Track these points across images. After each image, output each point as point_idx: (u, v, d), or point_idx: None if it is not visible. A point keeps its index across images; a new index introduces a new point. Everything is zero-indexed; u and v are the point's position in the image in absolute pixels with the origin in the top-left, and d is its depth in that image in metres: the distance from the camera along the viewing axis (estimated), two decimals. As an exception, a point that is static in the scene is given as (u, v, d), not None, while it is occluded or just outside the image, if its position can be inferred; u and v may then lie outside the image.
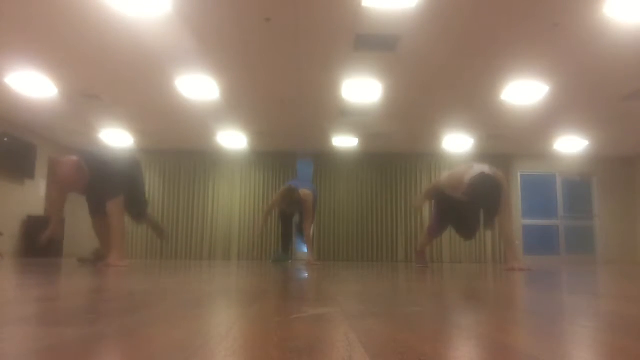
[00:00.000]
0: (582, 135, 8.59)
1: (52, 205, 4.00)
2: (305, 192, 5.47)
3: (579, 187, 10.34)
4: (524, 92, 6.33)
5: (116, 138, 8.87)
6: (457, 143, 9.01)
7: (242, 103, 6.98)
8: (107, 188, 3.85)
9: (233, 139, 8.95)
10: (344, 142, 9.07)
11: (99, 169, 3.86)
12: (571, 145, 9.11)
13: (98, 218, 4.21)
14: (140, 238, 9.63)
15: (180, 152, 9.91)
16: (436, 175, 9.99)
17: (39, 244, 3.97)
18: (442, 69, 5.71)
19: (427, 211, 9.86)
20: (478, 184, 4.14)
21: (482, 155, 9.56)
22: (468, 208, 4.35)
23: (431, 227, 4.97)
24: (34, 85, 6.21)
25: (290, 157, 9.97)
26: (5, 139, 7.69)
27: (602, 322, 0.88)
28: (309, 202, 5.47)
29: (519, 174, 10.07)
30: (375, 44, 5.06)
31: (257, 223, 5.97)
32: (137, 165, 4.30)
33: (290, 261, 6.45)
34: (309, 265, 4.83)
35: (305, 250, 5.92)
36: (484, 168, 4.31)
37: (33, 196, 8.63)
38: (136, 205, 4.24)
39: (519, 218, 9.79)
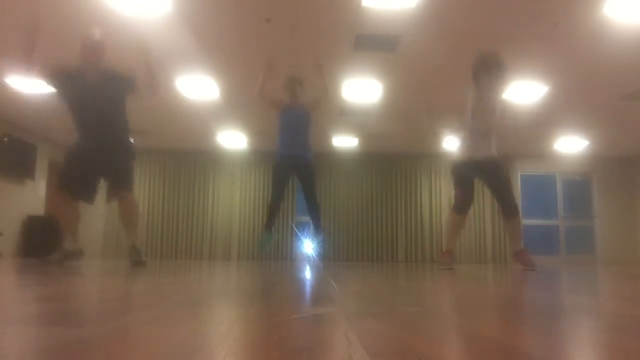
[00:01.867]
0: (582, 135, 8.59)
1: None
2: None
3: (579, 187, 10.35)
4: (524, 92, 6.33)
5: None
6: (457, 143, 9.00)
7: (242, 103, 6.98)
8: (131, 177, 3.82)
9: (233, 139, 8.95)
10: (344, 142, 9.07)
11: (129, 155, 3.79)
12: (571, 145, 9.11)
13: (128, 195, 3.92)
14: (140, 238, 9.62)
15: (180, 152, 9.90)
16: (436, 176, 9.99)
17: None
18: (442, 69, 5.71)
19: (426, 209, 9.85)
20: None
21: (482, 155, 9.55)
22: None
23: (455, 202, 4.31)
24: (34, 85, 6.21)
25: (290, 157, 9.95)
26: (5, 139, 7.69)
27: (602, 322, 0.88)
28: (313, 101, 4.76)
29: (519, 174, 10.07)
30: (375, 44, 5.06)
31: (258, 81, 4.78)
32: None
33: (275, 237, 5.54)
34: None
35: (305, 251, 5.55)
36: None
37: (33, 196, 8.63)
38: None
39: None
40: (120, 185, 3.79)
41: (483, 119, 4.00)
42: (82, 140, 3.64)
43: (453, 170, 4.30)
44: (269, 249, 6.16)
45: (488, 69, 3.97)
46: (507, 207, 4.06)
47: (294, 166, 4.95)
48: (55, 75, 3.60)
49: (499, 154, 4.15)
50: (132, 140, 3.86)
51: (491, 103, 4.02)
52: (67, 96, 3.63)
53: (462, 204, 4.19)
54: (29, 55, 3.45)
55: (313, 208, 4.96)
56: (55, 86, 3.66)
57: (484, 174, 4.14)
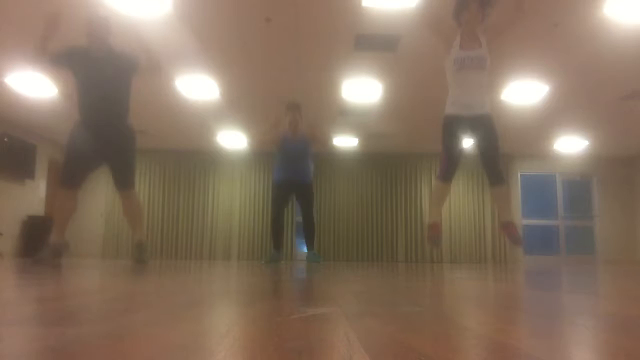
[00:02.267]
0: (582, 135, 8.59)
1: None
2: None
3: (579, 187, 10.35)
4: (524, 92, 6.33)
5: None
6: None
7: (242, 103, 6.98)
8: (132, 173, 3.79)
9: (233, 139, 8.95)
10: (344, 142, 9.08)
11: (130, 145, 3.75)
12: (571, 145, 9.11)
13: (131, 193, 3.88)
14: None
15: (180, 152, 9.90)
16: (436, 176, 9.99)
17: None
18: (442, 68, 5.70)
19: (426, 209, 9.85)
20: None
21: (482, 155, 9.55)
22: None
23: (440, 167, 4.11)
24: (34, 85, 6.21)
25: (290, 157, 9.96)
26: (5, 139, 7.69)
27: (602, 322, 0.88)
28: (314, 133, 5.05)
29: (519, 174, 10.07)
30: (375, 44, 5.06)
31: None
32: None
33: (283, 261, 6.02)
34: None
35: (305, 250, 5.61)
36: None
37: (33, 196, 8.63)
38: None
39: (519, 218, 9.80)
40: (123, 183, 3.78)
41: (471, 63, 3.67)
42: (83, 124, 3.62)
43: (443, 127, 4.00)
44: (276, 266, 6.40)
45: (467, 5, 3.72)
46: (493, 174, 3.79)
47: (293, 187, 5.14)
48: (62, 54, 3.61)
49: (492, 109, 3.92)
50: (131, 125, 3.82)
51: (477, 39, 3.68)
52: (73, 72, 3.64)
53: (448, 170, 3.95)
54: (42, 46, 3.48)
55: (309, 227, 5.19)
56: (62, 64, 3.67)
57: (475, 132, 3.83)
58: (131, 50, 3.73)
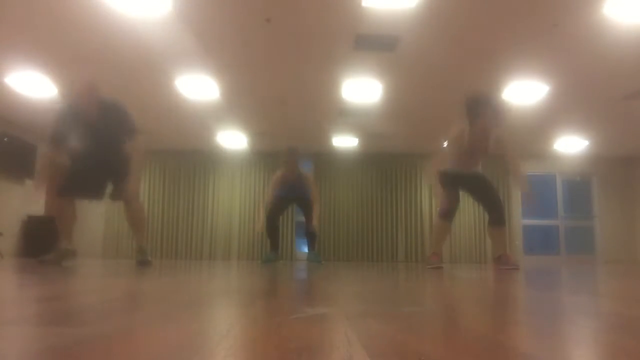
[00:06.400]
0: (582, 135, 8.59)
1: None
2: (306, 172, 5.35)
3: (579, 187, 10.35)
4: (524, 92, 6.33)
5: (116, 138, 8.87)
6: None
7: (242, 103, 6.98)
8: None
9: (233, 139, 8.95)
10: (344, 142, 9.07)
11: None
12: (571, 145, 9.11)
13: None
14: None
15: (180, 152, 9.90)
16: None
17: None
18: (442, 69, 5.71)
19: (426, 209, 9.85)
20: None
21: (482, 155, 9.56)
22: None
23: (441, 208, 4.51)
24: (34, 85, 6.21)
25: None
26: (5, 139, 7.69)
27: (602, 322, 0.88)
28: (311, 179, 5.38)
29: (519, 174, 10.06)
30: (375, 44, 5.06)
31: (257, 218, 5.57)
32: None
33: (280, 261, 6.19)
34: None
35: (306, 250, 5.71)
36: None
37: (33, 196, 8.63)
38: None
39: (519, 218, 9.80)
40: (126, 190, 3.85)
41: (474, 147, 4.11)
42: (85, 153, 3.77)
43: (440, 178, 4.45)
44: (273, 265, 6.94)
45: (483, 113, 4.03)
46: (496, 215, 4.23)
47: (293, 200, 5.45)
48: (62, 142, 3.77)
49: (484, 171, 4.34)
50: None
51: (484, 135, 4.08)
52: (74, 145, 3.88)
53: (449, 210, 4.38)
54: (39, 184, 3.86)
55: (310, 235, 5.45)
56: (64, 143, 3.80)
57: (469, 185, 4.35)
58: (129, 115, 3.86)
